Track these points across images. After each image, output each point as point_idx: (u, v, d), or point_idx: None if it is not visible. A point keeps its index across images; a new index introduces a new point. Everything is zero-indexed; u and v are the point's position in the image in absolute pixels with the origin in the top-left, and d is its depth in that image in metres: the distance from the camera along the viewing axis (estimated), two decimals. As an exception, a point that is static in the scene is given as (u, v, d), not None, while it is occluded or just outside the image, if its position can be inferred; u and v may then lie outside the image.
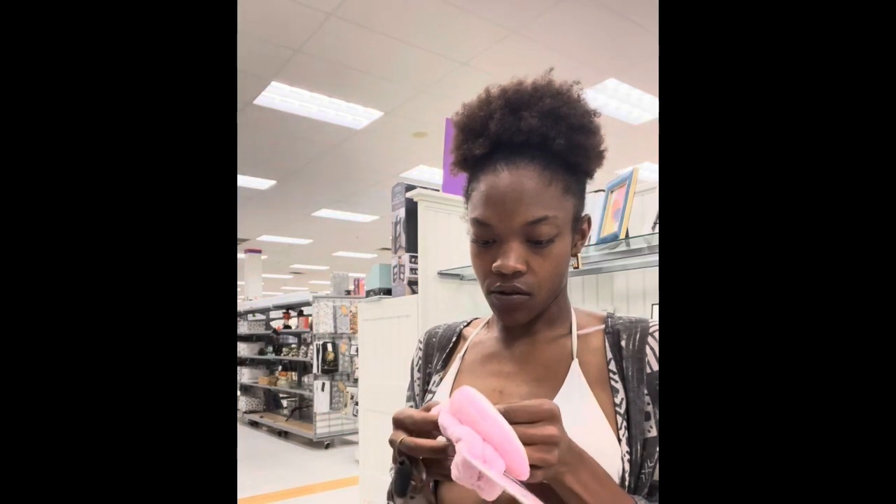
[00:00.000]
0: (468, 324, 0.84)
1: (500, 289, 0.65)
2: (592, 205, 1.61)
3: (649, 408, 0.62)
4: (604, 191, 1.58)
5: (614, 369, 0.65)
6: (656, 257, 1.51)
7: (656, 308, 1.66)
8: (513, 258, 0.63)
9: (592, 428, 0.61)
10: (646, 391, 0.63)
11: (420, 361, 0.84)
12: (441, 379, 0.77)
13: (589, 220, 0.71)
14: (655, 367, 0.63)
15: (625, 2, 3.09)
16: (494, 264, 0.64)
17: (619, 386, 0.64)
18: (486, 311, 0.80)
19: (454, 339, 0.82)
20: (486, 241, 0.66)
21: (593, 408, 0.62)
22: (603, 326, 0.70)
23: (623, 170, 1.54)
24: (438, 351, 0.82)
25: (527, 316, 0.67)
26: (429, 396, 0.77)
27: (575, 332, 0.70)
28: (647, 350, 0.64)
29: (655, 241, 1.43)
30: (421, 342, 0.86)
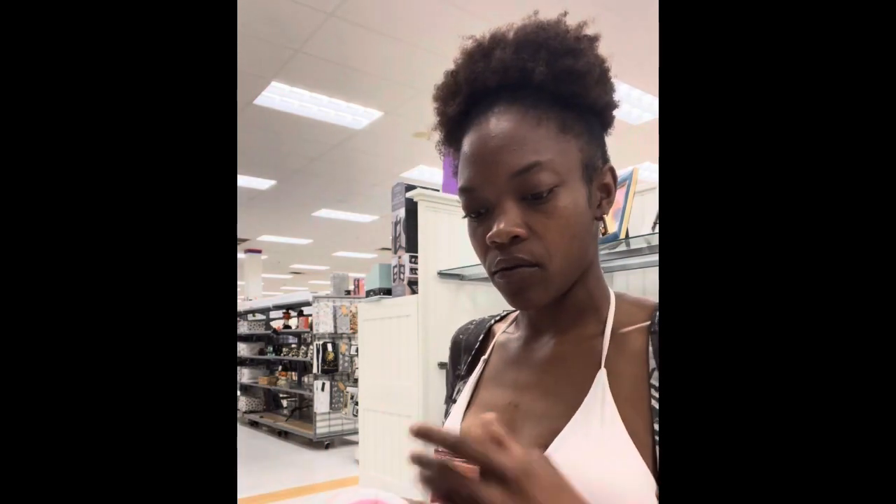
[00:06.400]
0: (500, 318, 0.70)
1: (502, 265, 0.51)
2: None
3: None
4: (604, 191, 1.58)
5: (657, 384, 0.49)
6: (656, 257, 1.51)
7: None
8: (505, 221, 0.49)
9: (614, 461, 0.47)
10: None
11: (449, 364, 0.73)
12: (463, 387, 0.65)
13: (613, 172, 0.56)
14: None
15: (625, 1, 3.09)
16: (488, 235, 0.50)
17: None
18: (486, 312, 0.76)
19: (482, 337, 0.69)
20: (477, 211, 0.53)
21: (618, 434, 0.48)
22: (648, 323, 0.53)
23: (623, 170, 1.53)
24: (465, 353, 0.70)
25: (544, 295, 0.52)
26: (451, 406, 0.66)
27: (608, 331, 0.54)
28: None
29: (655, 241, 1.43)
30: (451, 342, 0.75)
